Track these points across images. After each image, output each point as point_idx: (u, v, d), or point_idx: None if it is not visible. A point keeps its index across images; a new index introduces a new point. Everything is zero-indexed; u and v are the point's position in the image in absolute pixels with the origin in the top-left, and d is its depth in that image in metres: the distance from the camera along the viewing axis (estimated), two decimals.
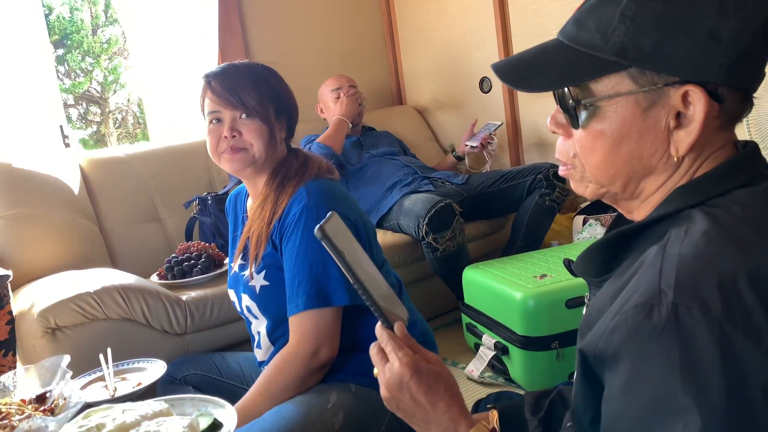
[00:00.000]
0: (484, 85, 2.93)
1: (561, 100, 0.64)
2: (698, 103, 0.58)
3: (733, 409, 0.46)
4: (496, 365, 1.89)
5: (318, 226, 0.72)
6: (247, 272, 1.24)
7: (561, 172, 0.69)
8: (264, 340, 1.28)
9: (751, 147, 0.62)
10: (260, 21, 2.95)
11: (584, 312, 0.67)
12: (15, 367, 1.77)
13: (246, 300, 1.27)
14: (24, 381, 1.20)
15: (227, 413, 0.97)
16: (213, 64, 2.75)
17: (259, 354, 1.31)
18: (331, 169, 1.28)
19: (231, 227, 1.41)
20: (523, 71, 0.66)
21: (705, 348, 0.47)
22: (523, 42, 2.72)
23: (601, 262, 0.65)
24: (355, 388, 1.18)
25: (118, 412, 0.93)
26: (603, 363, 0.55)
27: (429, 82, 3.22)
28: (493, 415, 0.81)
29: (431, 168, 2.67)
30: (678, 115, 0.59)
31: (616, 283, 0.60)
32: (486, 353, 1.90)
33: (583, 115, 0.63)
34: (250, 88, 1.20)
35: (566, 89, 0.63)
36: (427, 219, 2.15)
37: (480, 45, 2.89)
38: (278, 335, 1.26)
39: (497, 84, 2.85)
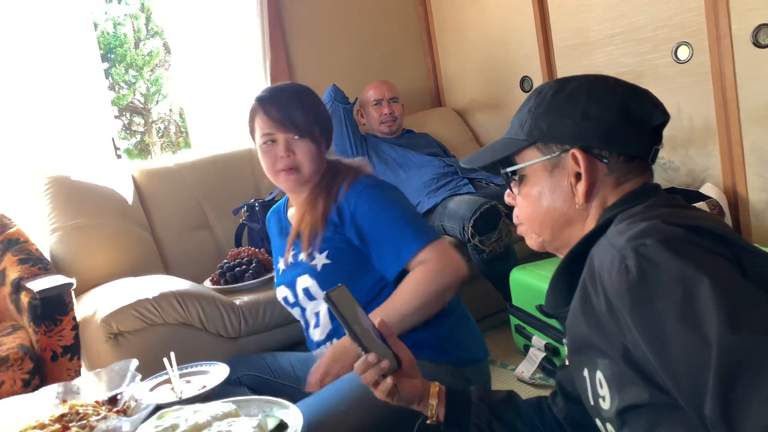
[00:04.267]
0: (525, 85, 2.92)
1: (504, 177, 0.89)
2: (582, 160, 0.80)
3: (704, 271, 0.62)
4: (547, 366, 1.88)
5: (325, 292, 0.94)
6: (303, 255, 1.34)
7: (517, 231, 0.92)
8: (324, 318, 1.35)
9: (647, 186, 0.81)
10: (300, 27, 2.99)
11: (567, 345, 0.83)
12: (80, 371, 1.85)
13: (304, 282, 1.35)
14: (95, 384, 1.26)
15: (292, 414, 1.00)
16: (255, 72, 2.81)
17: (317, 333, 1.36)
18: (370, 170, 1.42)
19: (276, 237, 1.51)
20: (475, 156, 0.94)
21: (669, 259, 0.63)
22: (563, 39, 2.70)
23: (566, 289, 0.81)
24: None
25: (189, 413, 0.97)
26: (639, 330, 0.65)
27: (468, 83, 3.22)
28: (436, 387, 1.01)
29: (473, 168, 2.67)
30: (578, 176, 0.81)
31: (576, 295, 0.76)
32: (536, 354, 1.90)
33: (516, 184, 0.87)
34: (300, 111, 1.34)
35: (506, 172, 0.88)
36: (472, 221, 2.15)
37: (520, 43, 2.88)
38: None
39: (538, 83, 2.84)
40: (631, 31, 2.42)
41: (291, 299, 1.41)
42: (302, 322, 1.42)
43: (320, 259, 1.32)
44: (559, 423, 0.99)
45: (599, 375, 0.74)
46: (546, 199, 0.84)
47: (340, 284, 0.99)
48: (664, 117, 0.81)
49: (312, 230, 1.33)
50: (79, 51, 2.59)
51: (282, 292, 1.43)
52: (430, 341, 1.28)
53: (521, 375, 1.91)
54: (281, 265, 1.43)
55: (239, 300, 1.91)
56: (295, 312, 1.42)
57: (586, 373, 0.78)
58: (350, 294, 0.99)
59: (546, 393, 1.05)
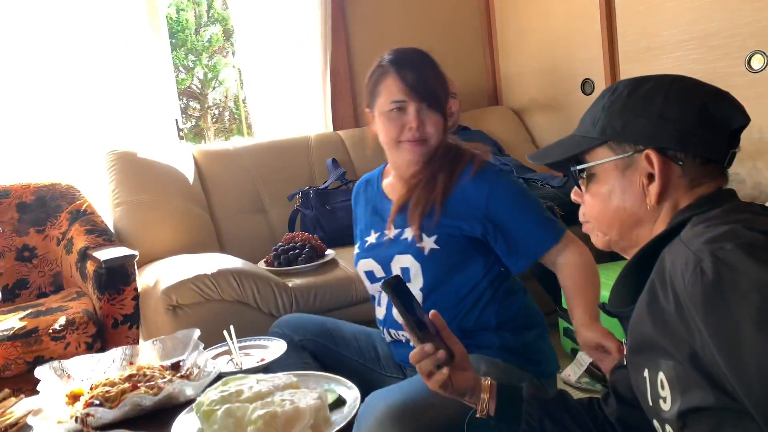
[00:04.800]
0: (587, 87, 2.88)
1: (572, 174, 0.88)
2: (656, 162, 0.78)
3: None
4: (594, 371, 1.86)
5: (384, 281, 0.94)
6: (409, 234, 1.27)
7: (583, 229, 0.91)
8: (416, 295, 1.25)
9: (723, 191, 0.80)
10: (361, 19, 3.02)
11: (627, 344, 0.82)
12: (138, 340, 1.93)
13: (404, 261, 1.28)
14: (158, 349, 1.32)
15: (350, 391, 1.03)
16: (315, 62, 2.85)
17: None
18: (486, 152, 1.35)
19: (363, 207, 1.44)
20: (543, 152, 0.94)
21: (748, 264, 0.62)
22: (630, 43, 2.65)
23: (631, 288, 0.80)
24: (502, 364, 1.21)
25: (252, 381, 1.01)
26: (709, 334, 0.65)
27: (527, 83, 3.19)
28: (487, 381, 1.00)
29: (528, 168, 2.65)
30: (650, 176, 0.79)
31: (643, 295, 0.75)
32: (584, 359, 1.88)
33: (585, 182, 0.86)
34: (434, 79, 1.27)
35: (574, 170, 0.87)
36: None
37: (584, 46, 2.83)
38: (432, 300, 1.26)
39: (600, 86, 2.79)
40: (702, 38, 2.36)
41: (379, 274, 1.33)
42: (384, 300, 1.35)
43: (428, 243, 1.25)
44: (611, 424, 0.99)
45: (661, 375, 0.74)
46: (616, 199, 0.83)
47: (396, 274, 0.99)
48: (744, 120, 0.80)
49: (425, 209, 1.25)
50: (149, 33, 2.68)
51: (368, 266, 1.35)
52: (518, 348, 1.25)
53: (567, 378, 1.90)
54: (371, 239, 1.36)
55: (292, 282, 1.96)
56: (377, 287, 1.35)
57: (646, 373, 0.78)
58: (406, 284, 1.00)
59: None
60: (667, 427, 0.76)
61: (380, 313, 1.37)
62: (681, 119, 0.78)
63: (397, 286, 0.96)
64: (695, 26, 2.38)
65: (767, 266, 0.61)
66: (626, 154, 0.81)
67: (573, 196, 0.91)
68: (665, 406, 0.74)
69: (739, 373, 0.61)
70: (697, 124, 0.78)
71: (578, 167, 0.87)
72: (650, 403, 0.78)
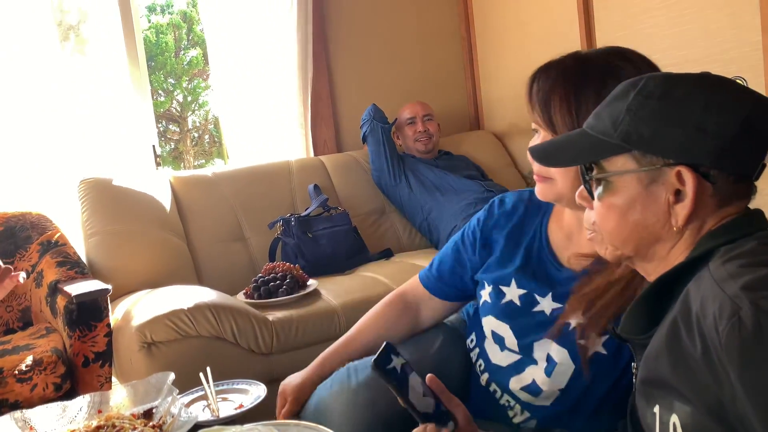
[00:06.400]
0: None
1: (583, 177, 0.79)
2: (689, 181, 0.70)
3: None
4: None
5: (374, 361, 0.85)
6: (575, 322, 0.97)
7: (587, 237, 0.82)
8: (550, 392, 1.02)
9: (750, 212, 0.73)
10: (343, 46, 3.00)
11: (640, 373, 0.76)
12: (110, 378, 1.84)
13: (552, 351, 1.00)
14: (130, 395, 1.24)
15: None
16: (296, 88, 2.81)
17: (535, 398, 1.03)
18: None
19: (507, 240, 1.10)
20: (550, 151, 0.84)
21: None
22: None
23: (647, 316, 0.74)
24: None
25: None
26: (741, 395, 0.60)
27: (509, 107, 3.19)
28: None
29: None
30: (677, 193, 0.71)
31: (663, 330, 0.69)
32: None
33: (598, 189, 0.76)
34: (565, 103, 0.95)
35: (583, 167, 0.78)
36: None
37: None
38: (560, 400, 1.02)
39: None
40: (683, 63, 2.37)
41: (509, 344, 1.05)
42: (504, 369, 1.06)
43: (596, 344, 0.96)
44: None
45: (674, 419, 0.69)
46: (636, 214, 0.74)
47: (385, 342, 0.89)
48: None
49: (617, 311, 0.90)
50: (126, 58, 2.63)
51: (500, 330, 1.06)
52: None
53: None
54: (512, 295, 1.05)
55: (272, 316, 1.89)
56: (502, 353, 1.07)
57: (657, 409, 0.73)
58: (396, 350, 0.89)
59: None
60: None
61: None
62: (721, 133, 0.69)
63: (388, 363, 0.85)
64: (676, 52, 2.39)
65: None
66: (653, 167, 0.72)
67: (578, 199, 0.81)
68: None
69: None
70: (738, 139, 0.69)
71: (595, 176, 0.76)
72: None
